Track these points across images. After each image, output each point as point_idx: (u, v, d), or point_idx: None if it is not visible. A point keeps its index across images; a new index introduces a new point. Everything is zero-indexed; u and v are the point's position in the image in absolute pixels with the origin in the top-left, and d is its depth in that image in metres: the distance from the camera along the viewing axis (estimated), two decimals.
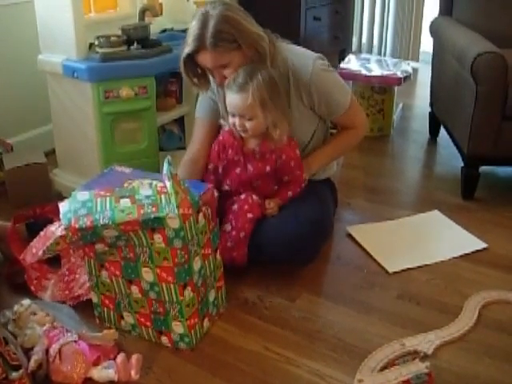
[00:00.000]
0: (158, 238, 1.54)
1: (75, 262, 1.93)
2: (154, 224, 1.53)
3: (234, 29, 1.84)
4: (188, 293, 1.62)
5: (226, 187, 2.03)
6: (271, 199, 2.00)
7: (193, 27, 1.87)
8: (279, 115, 1.91)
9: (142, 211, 1.53)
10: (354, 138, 2.21)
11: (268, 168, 1.98)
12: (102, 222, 1.53)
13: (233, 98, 1.89)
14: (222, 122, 2.04)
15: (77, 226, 1.54)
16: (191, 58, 1.94)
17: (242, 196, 1.97)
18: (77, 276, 1.91)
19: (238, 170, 2.02)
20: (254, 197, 1.97)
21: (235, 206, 1.95)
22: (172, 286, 1.60)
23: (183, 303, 1.62)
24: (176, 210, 1.52)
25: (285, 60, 1.99)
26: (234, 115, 1.92)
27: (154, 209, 1.53)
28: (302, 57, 2.02)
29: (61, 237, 1.62)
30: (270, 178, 2.01)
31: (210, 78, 2.03)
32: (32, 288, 1.91)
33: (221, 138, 2.05)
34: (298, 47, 2.09)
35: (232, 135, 2.01)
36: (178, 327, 1.67)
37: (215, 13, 1.84)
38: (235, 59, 1.89)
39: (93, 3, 2.67)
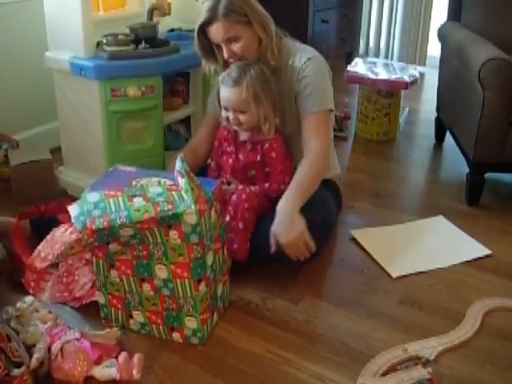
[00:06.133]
0: (173, 234, 1.56)
1: (73, 264, 1.92)
2: (170, 221, 1.54)
3: (245, 4, 1.98)
4: (202, 287, 1.64)
5: (223, 179, 2.08)
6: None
7: (207, 4, 2.00)
8: (269, 109, 2.01)
9: (158, 209, 1.54)
10: (314, 168, 2.00)
11: (258, 157, 2.05)
12: (119, 221, 1.53)
13: (227, 92, 1.99)
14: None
15: (93, 227, 1.53)
16: (204, 33, 2.04)
17: (240, 187, 2.02)
18: (76, 278, 1.90)
19: (230, 161, 2.10)
20: (252, 188, 2.02)
21: (234, 197, 1.98)
22: (187, 281, 1.62)
23: (197, 298, 1.64)
24: (193, 206, 1.54)
25: (288, 53, 2.10)
26: (227, 109, 2.02)
27: (169, 206, 1.55)
28: (305, 49, 2.13)
29: (75, 240, 1.61)
30: (262, 167, 2.07)
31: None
32: (30, 291, 1.90)
33: (218, 133, 2.17)
34: (305, 45, 2.18)
35: (226, 129, 2.11)
36: (191, 322, 1.69)
37: None
38: (245, 35, 2.00)
39: (101, 1, 2.66)
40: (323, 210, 2.07)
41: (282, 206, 1.87)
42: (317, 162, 2.00)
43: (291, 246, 1.82)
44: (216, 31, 1.99)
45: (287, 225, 1.83)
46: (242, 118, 2.00)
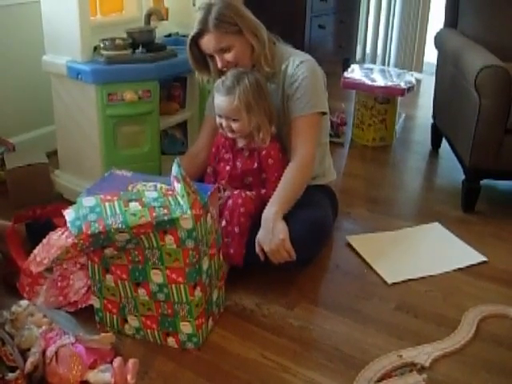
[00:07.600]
0: (169, 239, 1.56)
1: (68, 268, 1.91)
2: (166, 225, 1.54)
3: (235, 14, 2.00)
4: (197, 293, 1.64)
5: (218, 185, 2.06)
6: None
7: (198, 16, 2.02)
8: (263, 118, 2.02)
9: (154, 214, 1.54)
10: (300, 175, 2.02)
11: (255, 164, 2.06)
12: (114, 226, 1.53)
13: (220, 100, 2.01)
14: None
15: (89, 232, 1.53)
16: (196, 45, 2.06)
17: (236, 191, 2.01)
18: (70, 282, 1.89)
19: (227, 168, 2.10)
20: (248, 193, 2.02)
21: (230, 201, 1.98)
22: (182, 286, 1.62)
23: (193, 303, 1.64)
24: (189, 211, 1.54)
25: (281, 58, 2.11)
26: (220, 116, 2.04)
27: (165, 211, 1.54)
28: (298, 53, 2.15)
29: (71, 245, 1.61)
30: (259, 174, 2.07)
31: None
32: (25, 295, 1.90)
33: (216, 140, 2.17)
34: (298, 50, 2.20)
35: (224, 135, 2.11)
36: (186, 327, 1.68)
37: (218, 0, 2.01)
38: (237, 44, 2.02)
39: (99, 6, 2.67)
40: (319, 211, 2.07)
41: (265, 215, 1.91)
42: (301, 170, 2.03)
43: (274, 253, 1.86)
44: (208, 42, 2.02)
45: (269, 233, 1.86)
46: (234, 125, 2.01)
